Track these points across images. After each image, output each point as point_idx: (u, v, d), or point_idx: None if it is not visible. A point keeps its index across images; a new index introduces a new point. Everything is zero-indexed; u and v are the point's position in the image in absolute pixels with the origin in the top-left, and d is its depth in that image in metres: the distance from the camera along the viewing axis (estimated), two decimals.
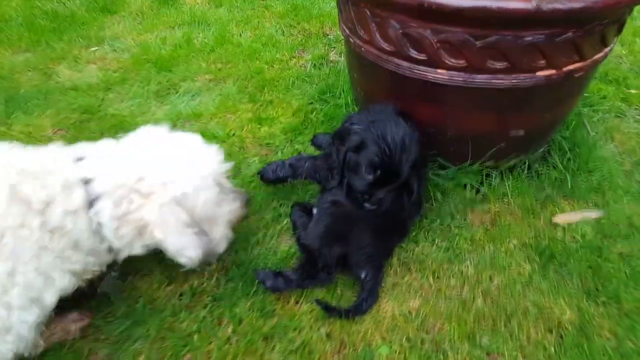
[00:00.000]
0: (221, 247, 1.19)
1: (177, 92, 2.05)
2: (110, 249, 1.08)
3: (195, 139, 1.19)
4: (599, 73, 2.13)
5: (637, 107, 1.93)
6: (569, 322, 1.20)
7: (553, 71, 1.23)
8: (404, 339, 1.17)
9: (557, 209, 1.50)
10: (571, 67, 1.26)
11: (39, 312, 0.99)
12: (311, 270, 1.26)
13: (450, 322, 1.20)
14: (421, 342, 1.16)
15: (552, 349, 1.15)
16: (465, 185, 1.52)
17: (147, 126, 1.20)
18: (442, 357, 1.13)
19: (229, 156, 1.68)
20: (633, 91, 2.00)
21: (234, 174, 1.63)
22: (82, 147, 1.11)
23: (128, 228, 1.05)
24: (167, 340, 1.16)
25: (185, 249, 1.07)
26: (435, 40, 1.19)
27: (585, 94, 1.93)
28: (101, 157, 1.08)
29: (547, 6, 1.07)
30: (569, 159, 1.62)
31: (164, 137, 1.17)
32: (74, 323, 1.18)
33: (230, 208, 1.23)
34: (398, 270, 1.33)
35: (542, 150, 1.58)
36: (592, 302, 1.25)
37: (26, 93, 2.01)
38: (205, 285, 1.29)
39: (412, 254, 1.37)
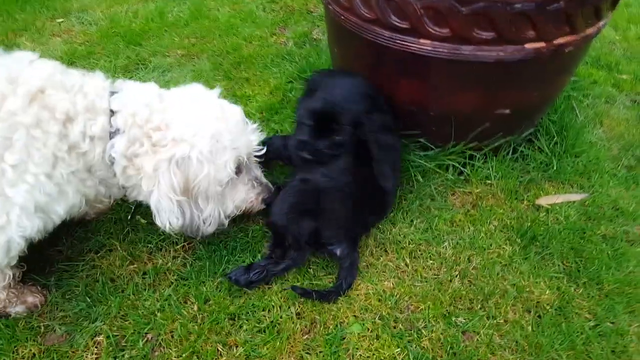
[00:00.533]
0: (208, 228, 1.19)
1: (146, 68, 2.06)
2: (123, 186, 1.14)
3: (238, 111, 1.21)
4: (590, 58, 2.21)
5: (627, 93, 2.01)
6: (548, 302, 1.25)
7: (542, 44, 1.27)
8: (376, 318, 1.20)
9: (541, 191, 1.55)
10: (562, 40, 1.29)
11: (40, 223, 1.03)
12: (281, 252, 1.28)
13: (425, 302, 1.24)
14: (394, 321, 1.20)
15: (530, 328, 1.19)
16: (447, 167, 1.57)
17: (197, 85, 1.22)
18: (415, 335, 1.17)
19: None
20: (624, 77, 2.07)
21: None
22: (123, 83, 1.16)
23: (133, 170, 1.10)
24: (129, 318, 1.17)
25: (164, 212, 1.10)
26: (419, 7, 1.21)
27: (575, 78, 1.99)
28: (134, 95, 1.11)
29: None
30: (555, 143, 1.67)
31: (208, 99, 1.19)
32: (32, 295, 1.19)
33: (244, 195, 1.25)
34: (374, 251, 1.37)
35: (528, 132, 1.63)
36: (572, 283, 1.30)
37: None
38: (170, 264, 1.30)
39: (389, 235, 1.40)
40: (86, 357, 1.11)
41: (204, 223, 1.18)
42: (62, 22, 2.38)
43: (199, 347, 1.12)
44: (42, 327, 1.16)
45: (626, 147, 1.74)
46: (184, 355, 1.11)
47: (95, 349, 1.12)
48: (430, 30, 1.23)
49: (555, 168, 1.59)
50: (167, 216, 1.10)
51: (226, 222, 1.24)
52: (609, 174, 1.63)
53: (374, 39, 1.33)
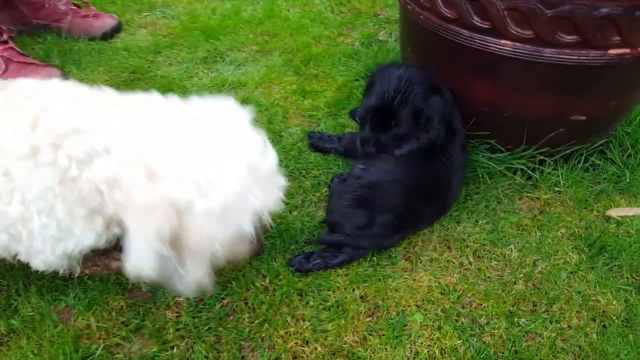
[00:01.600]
0: (183, 288, 0.93)
1: (223, 61, 2.18)
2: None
3: (273, 158, 0.95)
4: None
5: None
6: (615, 313, 1.23)
7: (627, 50, 1.25)
8: (439, 310, 1.23)
9: (611, 203, 1.52)
10: None
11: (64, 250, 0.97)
12: (338, 246, 1.33)
13: (488, 300, 1.25)
14: (457, 315, 1.22)
15: (594, 335, 1.18)
16: (515, 171, 1.57)
17: (222, 102, 0.99)
18: (477, 330, 1.19)
19: (271, 124, 1.79)
20: None
21: (276, 142, 1.73)
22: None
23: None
24: None
25: (135, 255, 0.86)
26: (503, 7, 1.23)
27: None
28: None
29: None
30: (629, 155, 1.63)
31: (243, 136, 0.93)
32: (115, 261, 1.29)
33: (242, 256, 1.01)
34: (437, 246, 1.39)
35: (601, 142, 1.60)
36: None
37: (80, 50, 2.19)
38: None
39: (454, 232, 1.42)
40: (167, 314, 1.21)
41: (181, 283, 0.92)
42: (148, 15, 2.55)
43: (270, 316, 1.19)
44: (130, 284, 1.27)
45: None
46: (256, 322, 1.18)
47: (176, 308, 1.22)
48: (512, 31, 1.25)
49: (627, 180, 1.56)
50: (141, 265, 0.86)
51: (211, 286, 0.96)
52: None
53: (452, 38, 1.36)
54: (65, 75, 1.99)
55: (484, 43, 1.30)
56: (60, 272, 1.11)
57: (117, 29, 2.34)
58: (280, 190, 0.97)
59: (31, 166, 0.87)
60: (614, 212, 1.48)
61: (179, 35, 2.35)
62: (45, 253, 0.98)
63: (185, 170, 0.84)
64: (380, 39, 2.39)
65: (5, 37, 1.92)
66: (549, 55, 1.25)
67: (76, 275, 1.19)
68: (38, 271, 1.11)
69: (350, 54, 2.22)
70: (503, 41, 1.28)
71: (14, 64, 1.91)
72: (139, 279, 0.92)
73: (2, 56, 1.88)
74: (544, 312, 1.24)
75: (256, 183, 0.89)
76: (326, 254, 1.31)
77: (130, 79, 2.03)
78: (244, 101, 1.91)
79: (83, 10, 2.30)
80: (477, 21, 1.28)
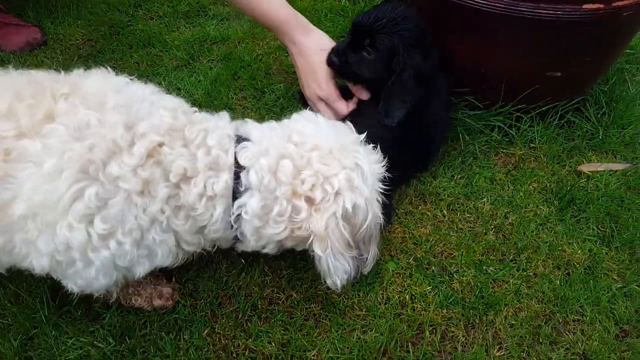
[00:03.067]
0: (368, 268, 1.09)
1: (206, 15, 2.11)
2: (235, 238, 1.00)
3: (361, 148, 1.04)
4: None
5: None
6: (579, 261, 1.27)
7: (601, 5, 1.24)
8: (411, 259, 1.26)
9: (584, 159, 1.54)
10: (621, 3, 1.26)
11: (120, 277, 0.95)
12: None
13: (459, 250, 1.29)
14: (428, 264, 1.25)
15: (558, 282, 1.23)
16: (493, 128, 1.57)
17: (318, 117, 1.06)
18: (447, 278, 1.22)
19: (253, 80, 1.77)
20: None
21: (258, 98, 1.71)
22: (247, 126, 1.01)
23: (275, 230, 0.95)
24: None
25: (337, 272, 0.98)
26: None
27: (631, 51, 1.92)
28: (266, 145, 0.95)
29: None
30: (604, 113, 1.64)
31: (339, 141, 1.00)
32: (160, 299, 1.16)
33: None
34: (413, 200, 1.41)
35: (578, 100, 1.60)
36: (605, 246, 1.31)
37: (57, 3, 2.10)
38: None
39: (429, 187, 1.44)
40: None
41: (367, 265, 1.07)
42: None
43: (248, 266, 1.22)
44: None
45: None
46: (233, 271, 1.20)
47: None
48: None
49: (600, 137, 1.57)
50: (339, 275, 0.98)
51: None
52: None
53: None
54: (45, 35, 1.93)
55: None
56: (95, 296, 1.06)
57: None
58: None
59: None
60: (585, 168, 1.50)
61: None
62: (98, 279, 0.92)
63: (336, 187, 0.94)
64: None
65: None
66: (524, 9, 1.23)
67: (111, 301, 1.12)
68: None
69: (336, 10, 2.16)
70: None
71: None
72: (341, 287, 1.02)
73: None
74: (511, 261, 1.27)
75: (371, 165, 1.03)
76: None
77: (110, 33, 1.97)
78: (226, 57, 1.87)
79: None
80: None
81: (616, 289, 1.21)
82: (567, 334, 1.14)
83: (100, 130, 0.83)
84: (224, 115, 1.01)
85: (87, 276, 0.90)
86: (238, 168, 0.93)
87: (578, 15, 1.25)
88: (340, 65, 1.34)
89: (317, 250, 0.94)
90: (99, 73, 0.95)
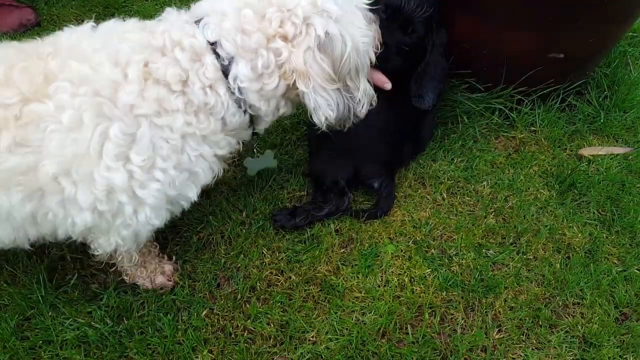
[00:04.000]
0: (362, 109, 1.02)
1: None
2: (251, 121, 0.99)
3: None
4: None
5: None
6: (579, 245, 1.25)
7: None
8: (410, 242, 1.24)
9: (585, 143, 1.51)
10: None
11: (168, 215, 0.97)
12: (323, 197, 1.29)
13: (458, 233, 1.26)
14: (427, 246, 1.23)
15: (558, 265, 1.21)
16: (493, 111, 1.54)
17: None
18: (446, 260, 1.20)
19: None
20: None
21: None
22: (198, 4, 0.96)
23: (272, 83, 0.93)
24: (185, 218, 1.24)
25: (320, 108, 0.95)
26: None
27: (634, 34, 1.88)
28: (221, 9, 0.91)
29: None
30: (605, 97, 1.61)
31: None
32: (162, 276, 1.14)
33: (371, 41, 1.00)
34: (412, 183, 1.38)
35: (579, 82, 1.56)
36: (605, 230, 1.29)
37: None
38: (222, 177, 1.36)
39: (429, 170, 1.41)
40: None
41: (359, 103, 1.01)
42: None
43: (246, 248, 1.19)
44: None
45: None
46: (232, 253, 1.18)
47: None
48: None
49: (602, 121, 1.54)
50: (324, 111, 0.95)
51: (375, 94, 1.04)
52: None
53: None
54: (38, 16, 1.87)
55: None
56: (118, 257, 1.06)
57: None
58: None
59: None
60: (586, 151, 1.47)
61: None
62: (151, 221, 0.93)
63: (304, 14, 0.88)
64: None
65: None
66: None
67: (124, 268, 1.11)
68: None
69: None
70: None
71: None
72: (327, 126, 0.99)
73: None
74: (511, 244, 1.25)
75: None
76: (311, 206, 1.27)
77: (104, 14, 1.91)
78: None
79: None
80: None
81: (616, 273, 1.19)
82: (566, 317, 1.13)
83: (96, 75, 0.85)
84: (170, 10, 0.97)
85: (137, 221, 0.91)
86: (213, 45, 0.91)
87: None
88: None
89: (301, 86, 0.92)
90: (67, 29, 0.96)
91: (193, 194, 0.96)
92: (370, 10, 1.03)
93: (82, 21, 1.86)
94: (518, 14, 1.28)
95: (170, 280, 1.14)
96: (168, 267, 1.15)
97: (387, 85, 1.18)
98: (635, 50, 1.81)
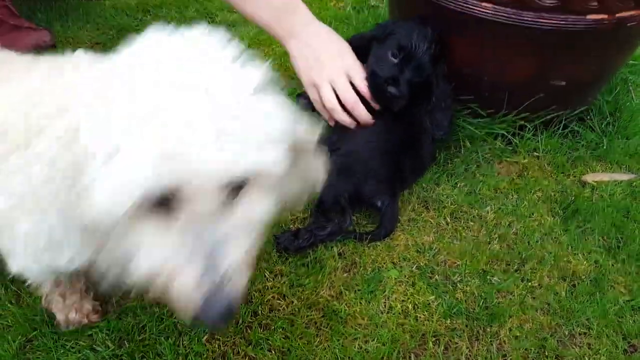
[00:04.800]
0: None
1: (213, 21, 2.08)
2: None
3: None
4: None
5: None
6: (584, 273, 1.22)
7: (605, 16, 1.21)
8: (414, 267, 1.21)
9: (588, 169, 1.49)
10: (625, 14, 1.23)
11: None
12: (325, 218, 1.26)
13: (462, 259, 1.23)
14: (431, 272, 1.20)
15: (563, 294, 1.17)
16: (496, 136, 1.53)
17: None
18: (450, 287, 1.17)
19: None
20: None
21: None
22: None
23: None
24: None
25: None
26: None
27: (635, 62, 1.88)
28: None
29: None
30: (608, 123, 1.60)
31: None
32: (78, 313, 1.06)
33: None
34: (416, 207, 1.36)
35: (581, 109, 1.55)
36: (611, 258, 1.26)
37: (67, 6, 2.08)
38: None
39: (432, 194, 1.39)
40: None
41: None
42: None
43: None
44: None
45: None
46: None
47: None
48: None
49: (605, 147, 1.52)
50: None
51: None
52: None
53: (436, 1, 1.29)
54: (54, 37, 1.90)
55: (466, 5, 1.24)
56: None
57: None
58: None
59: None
60: (589, 178, 1.45)
61: None
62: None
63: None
64: (372, 4, 2.29)
65: None
66: (528, 19, 1.20)
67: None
68: None
69: (341, 18, 2.13)
70: (484, 4, 1.22)
71: (6, 26, 1.82)
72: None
73: None
74: (515, 272, 1.22)
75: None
76: (313, 226, 1.24)
77: (117, 37, 1.94)
78: None
79: None
80: None
81: (623, 302, 1.16)
82: (573, 348, 1.09)
83: None
84: None
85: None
86: None
87: (582, 25, 1.21)
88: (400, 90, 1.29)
89: None
90: None
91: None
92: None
93: (97, 43, 1.94)
94: (520, 46, 1.28)
95: (85, 319, 1.07)
96: (87, 306, 1.07)
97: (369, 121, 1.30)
98: (636, 78, 1.80)
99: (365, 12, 2.17)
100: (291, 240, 1.21)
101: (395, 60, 1.29)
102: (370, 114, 1.31)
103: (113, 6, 2.12)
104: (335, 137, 1.36)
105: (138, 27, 2.00)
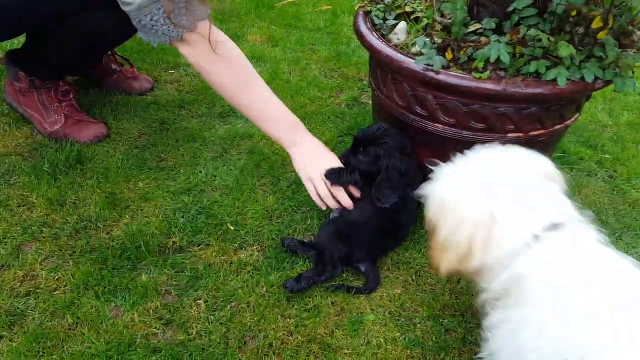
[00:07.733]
0: None
1: (236, 115, 2.63)
2: None
3: None
4: (582, 138, 2.63)
5: (607, 169, 2.41)
6: None
7: (520, 134, 1.75)
8: (386, 312, 1.67)
9: None
10: (535, 132, 1.77)
11: None
12: (322, 266, 1.75)
13: (422, 306, 1.69)
14: (398, 316, 1.66)
15: None
16: None
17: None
18: (412, 327, 1.63)
19: (271, 169, 2.25)
20: (607, 156, 2.48)
21: (275, 184, 2.19)
22: None
23: None
24: (220, 291, 1.69)
25: None
26: (434, 103, 1.74)
27: (565, 155, 2.43)
28: None
29: (509, 89, 1.61)
30: None
31: None
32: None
33: None
34: (390, 267, 1.84)
35: None
36: None
37: (117, 102, 2.64)
38: (249, 259, 1.82)
39: (402, 257, 1.87)
40: (191, 312, 1.63)
41: None
42: (173, 72, 3.03)
43: (266, 315, 1.63)
44: (163, 290, 1.69)
45: (596, 212, 2.15)
46: (255, 319, 1.61)
47: (197, 308, 1.64)
48: (441, 118, 1.74)
49: None
50: None
51: None
52: None
53: (403, 120, 1.85)
54: (108, 129, 2.42)
55: (424, 124, 1.80)
56: None
57: (150, 90, 2.78)
58: None
59: None
60: None
61: (200, 92, 2.81)
62: None
63: None
64: (362, 101, 2.87)
65: (71, 95, 2.37)
66: (466, 135, 1.74)
67: None
68: (93, 278, 1.56)
69: (337, 114, 2.70)
70: (436, 124, 1.77)
71: (71, 120, 2.35)
72: None
73: (64, 112, 2.32)
74: (460, 315, 1.68)
75: None
76: (313, 272, 1.73)
77: (160, 129, 2.49)
78: (251, 150, 2.37)
79: (125, 69, 2.74)
80: (419, 110, 1.78)
81: None
82: None
83: None
84: None
85: None
86: None
87: (505, 140, 1.75)
88: (347, 160, 1.88)
89: None
90: None
91: None
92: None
93: (143, 134, 2.48)
94: (461, 150, 1.81)
95: None
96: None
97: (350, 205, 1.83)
98: (565, 167, 2.34)
99: (356, 109, 2.75)
100: (295, 284, 1.69)
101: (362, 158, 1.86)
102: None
103: (154, 102, 2.68)
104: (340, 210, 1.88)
105: (176, 121, 2.55)
